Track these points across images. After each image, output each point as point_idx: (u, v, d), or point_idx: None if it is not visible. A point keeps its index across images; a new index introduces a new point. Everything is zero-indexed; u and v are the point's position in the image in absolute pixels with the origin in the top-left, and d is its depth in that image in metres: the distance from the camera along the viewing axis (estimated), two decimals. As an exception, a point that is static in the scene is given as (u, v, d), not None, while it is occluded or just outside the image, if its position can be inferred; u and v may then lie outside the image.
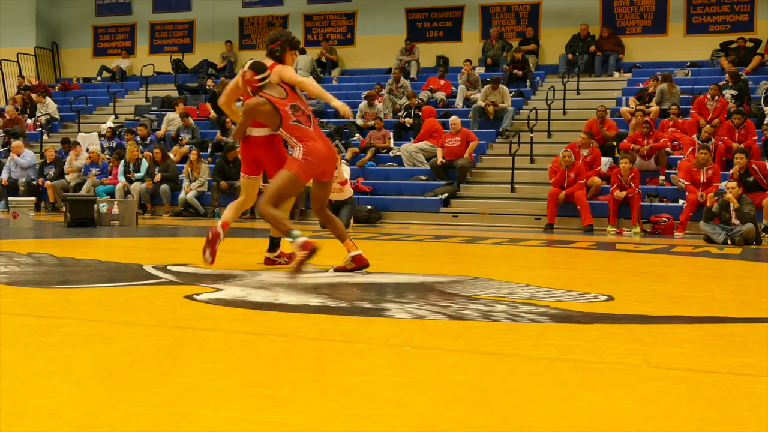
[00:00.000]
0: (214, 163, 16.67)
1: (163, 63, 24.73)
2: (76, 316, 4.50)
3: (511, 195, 15.61)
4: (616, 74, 20.13)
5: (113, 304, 5.03)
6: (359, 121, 18.40)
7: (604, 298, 5.55)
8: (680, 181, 13.61)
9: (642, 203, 13.64)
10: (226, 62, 23.84)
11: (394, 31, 22.91)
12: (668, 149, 15.01)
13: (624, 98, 17.98)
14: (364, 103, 18.65)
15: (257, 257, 7.34)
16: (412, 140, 17.02)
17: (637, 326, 4.52)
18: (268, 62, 6.82)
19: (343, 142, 17.26)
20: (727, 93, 16.44)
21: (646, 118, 15.39)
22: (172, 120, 19.27)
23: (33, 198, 13.99)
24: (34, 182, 17.80)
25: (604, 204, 13.79)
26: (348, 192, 13.21)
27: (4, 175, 17.78)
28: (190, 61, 24.72)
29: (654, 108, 16.51)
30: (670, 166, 14.82)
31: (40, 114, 21.95)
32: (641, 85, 18.33)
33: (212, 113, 19.76)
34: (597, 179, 14.22)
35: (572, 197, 13.82)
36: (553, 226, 13.87)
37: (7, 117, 20.86)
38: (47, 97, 22.49)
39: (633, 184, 13.46)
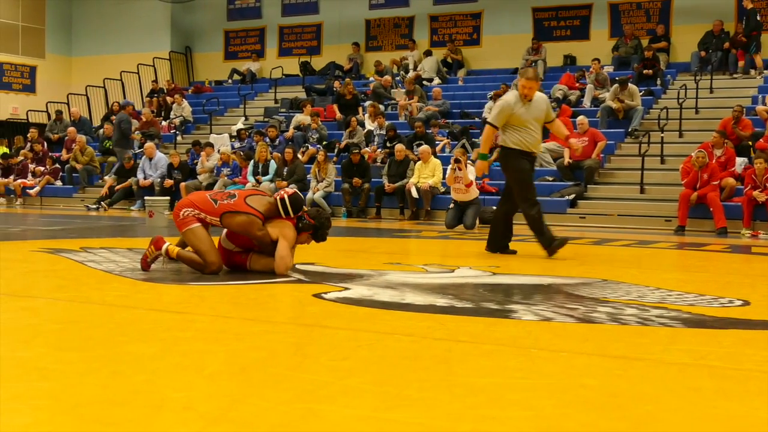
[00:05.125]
0: (340, 163, 16.91)
1: (292, 65, 25.19)
2: (209, 313, 4.63)
3: (641, 196, 15.26)
4: (752, 71, 19.41)
5: (244, 301, 5.16)
6: (484, 122, 18.34)
7: (739, 302, 5.37)
8: (821, 182, 13.04)
9: (780, 205, 13.13)
10: (352, 64, 24.10)
11: (520, 31, 22.70)
12: (808, 149, 14.41)
13: (760, 96, 17.33)
14: (489, 104, 18.55)
15: (384, 257, 7.40)
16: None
17: (775, 333, 4.36)
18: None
19: (469, 142, 17.20)
20: None
21: (785, 117, 14.81)
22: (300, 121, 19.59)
23: (167, 197, 14.45)
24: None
25: (738, 206, 13.33)
26: (474, 193, 13.17)
27: (140, 176, 18.41)
28: (318, 63, 25.10)
29: (793, 106, 15.87)
30: (811, 166, 14.20)
31: (174, 116, 22.67)
32: (779, 83, 17.64)
33: (338, 114, 20.07)
34: (731, 180, 13.76)
35: (705, 198, 13.41)
36: (685, 228, 13.49)
37: (143, 119, 21.61)
38: (183, 99, 23.19)
39: (769, 185, 12.97)
